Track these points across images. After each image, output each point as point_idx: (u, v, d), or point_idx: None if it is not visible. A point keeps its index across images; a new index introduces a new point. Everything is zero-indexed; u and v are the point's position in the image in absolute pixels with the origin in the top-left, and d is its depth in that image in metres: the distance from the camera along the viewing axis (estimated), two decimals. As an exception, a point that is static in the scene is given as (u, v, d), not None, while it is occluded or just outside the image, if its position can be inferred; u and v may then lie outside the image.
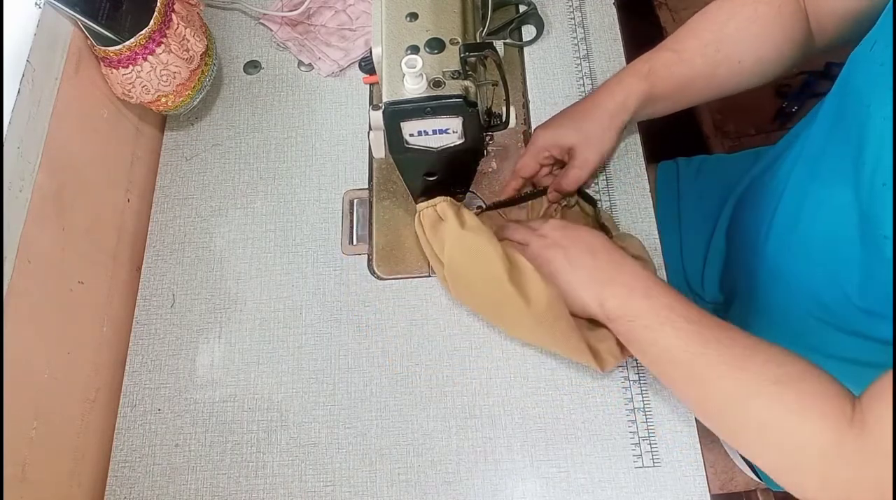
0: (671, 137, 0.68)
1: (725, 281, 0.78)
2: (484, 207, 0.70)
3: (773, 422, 0.47)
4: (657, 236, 0.68)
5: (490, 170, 0.73)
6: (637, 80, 0.64)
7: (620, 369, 0.62)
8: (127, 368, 0.66)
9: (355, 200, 0.73)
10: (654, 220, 0.69)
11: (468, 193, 0.69)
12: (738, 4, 0.63)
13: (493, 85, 0.57)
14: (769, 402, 0.47)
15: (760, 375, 0.48)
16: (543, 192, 0.69)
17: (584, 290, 0.56)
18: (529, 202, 0.70)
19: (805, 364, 0.48)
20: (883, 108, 0.49)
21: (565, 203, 0.69)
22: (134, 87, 0.66)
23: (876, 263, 0.52)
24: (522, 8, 0.80)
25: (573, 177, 0.66)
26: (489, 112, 0.59)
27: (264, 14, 0.82)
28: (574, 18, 0.80)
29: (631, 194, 0.70)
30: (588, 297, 0.56)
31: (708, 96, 0.67)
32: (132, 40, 0.63)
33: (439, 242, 0.60)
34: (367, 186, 0.73)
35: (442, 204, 0.60)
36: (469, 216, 0.60)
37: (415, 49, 0.54)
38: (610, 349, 0.58)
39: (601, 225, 0.66)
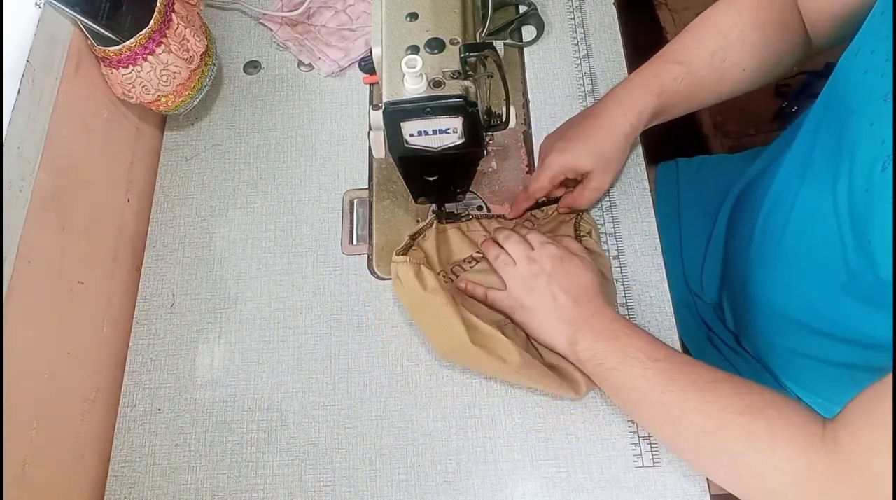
0: (671, 137, 0.68)
1: (724, 282, 0.78)
2: (483, 207, 0.70)
3: (744, 452, 0.47)
4: (657, 236, 0.68)
5: (490, 170, 0.73)
6: (649, 98, 0.62)
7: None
8: (127, 368, 0.66)
9: (355, 200, 0.73)
10: (654, 220, 0.69)
11: (468, 193, 0.69)
12: (740, 11, 0.62)
13: (488, 76, 0.57)
14: (739, 432, 0.47)
15: (728, 406, 0.49)
16: (550, 201, 0.69)
17: (557, 330, 0.58)
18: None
19: (771, 393, 0.49)
20: (867, 115, 0.49)
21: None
22: (134, 87, 0.66)
23: (863, 268, 0.52)
24: (523, 8, 0.80)
25: (588, 198, 0.66)
26: (489, 112, 0.59)
27: (264, 14, 0.82)
28: (574, 18, 0.80)
29: (631, 194, 0.70)
30: (559, 337, 0.58)
31: (709, 103, 0.66)
32: (132, 40, 0.63)
33: (407, 297, 0.61)
34: (367, 186, 0.73)
35: (403, 266, 0.60)
36: (429, 278, 0.60)
37: (415, 49, 0.54)
38: (577, 381, 0.58)
39: (576, 235, 0.67)
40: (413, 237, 0.65)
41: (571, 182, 0.68)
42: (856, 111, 0.50)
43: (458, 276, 0.66)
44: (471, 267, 0.66)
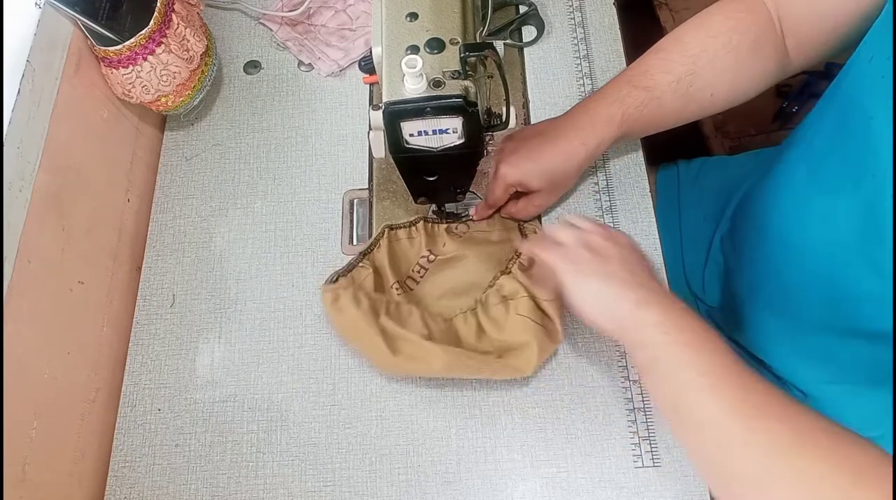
0: (671, 138, 0.67)
1: (726, 285, 0.78)
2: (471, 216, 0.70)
3: (827, 476, 0.40)
4: (657, 237, 0.68)
5: (490, 170, 0.72)
6: (610, 128, 0.61)
7: (620, 369, 0.62)
8: (127, 368, 0.66)
9: (355, 200, 0.73)
10: (654, 220, 0.69)
11: (468, 193, 0.69)
12: (712, 34, 0.60)
13: (488, 77, 0.57)
14: (825, 455, 0.41)
15: (814, 428, 0.42)
16: None
17: (624, 288, 0.50)
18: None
19: (853, 433, 0.43)
20: (887, 120, 0.48)
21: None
22: (134, 87, 0.66)
23: (875, 275, 0.51)
24: (523, 9, 0.80)
25: (530, 213, 0.67)
26: (489, 112, 0.59)
27: (264, 14, 0.82)
28: (574, 18, 0.80)
29: (631, 194, 0.70)
30: (626, 295, 0.50)
31: (671, 127, 0.64)
32: (132, 40, 0.63)
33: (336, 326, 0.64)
34: (367, 186, 0.73)
35: (325, 295, 0.62)
36: (346, 300, 0.61)
37: (415, 49, 0.54)
38: (528, 359, 0.59)
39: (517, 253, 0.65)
40: (364, 253, 0.66)
41: (518, 192, 0.67)
42: (875, 117, 0.50)
43: (411, 288, 0.66)
44: (421, 277, 0.67)
